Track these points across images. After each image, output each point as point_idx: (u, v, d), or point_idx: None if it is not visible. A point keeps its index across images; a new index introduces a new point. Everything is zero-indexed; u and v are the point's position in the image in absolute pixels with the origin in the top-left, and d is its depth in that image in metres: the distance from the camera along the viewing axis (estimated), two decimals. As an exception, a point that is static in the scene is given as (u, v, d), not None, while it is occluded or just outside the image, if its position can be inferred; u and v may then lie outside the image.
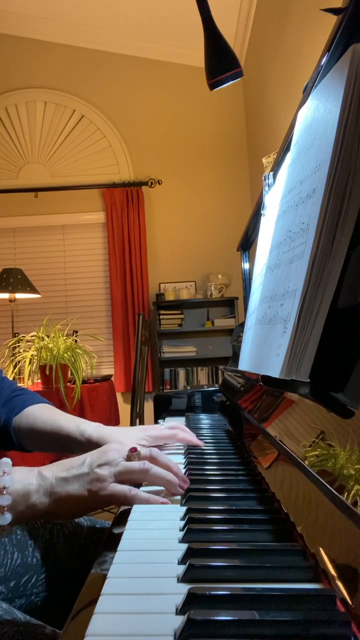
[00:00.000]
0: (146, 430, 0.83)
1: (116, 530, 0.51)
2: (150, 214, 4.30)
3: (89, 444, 0.78)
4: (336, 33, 0.68)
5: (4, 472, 0.56)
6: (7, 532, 0.55)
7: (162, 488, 0.62)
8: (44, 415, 0.87)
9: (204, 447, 0.86)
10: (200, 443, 0.85)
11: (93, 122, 4.32)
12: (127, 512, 0.56)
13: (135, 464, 0.59)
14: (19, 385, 0.97)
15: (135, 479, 0.60)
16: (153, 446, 0.83)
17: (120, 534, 0.49)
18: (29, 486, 0.57)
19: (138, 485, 0.62)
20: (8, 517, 0.55)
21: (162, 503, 0.57)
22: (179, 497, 0.60)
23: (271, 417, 0.64)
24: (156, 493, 0.60)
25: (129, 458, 0.61)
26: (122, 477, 0.59)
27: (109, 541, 0.48)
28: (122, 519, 0.54)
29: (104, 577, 0.40)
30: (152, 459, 0.62)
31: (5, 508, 0.55)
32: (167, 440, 0.85)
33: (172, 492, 0.60)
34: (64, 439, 0.82)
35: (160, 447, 0.84)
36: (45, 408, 0.90)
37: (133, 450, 0.61)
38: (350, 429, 0.40)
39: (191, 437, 0.85)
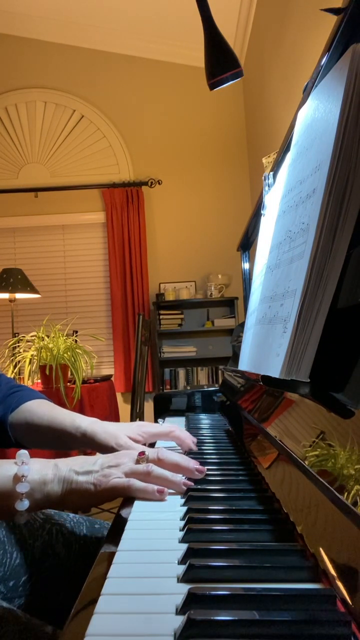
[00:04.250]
0: (142, 427, 0.84)
1: (116, 530, 0.51)
2: (150, 214, 4.30)
3: (83, 438, 0.80)
4: (336, 33, 0.68)
5: (22, 462, 0.60)
6: (23, 517, 0.59)
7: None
8: (39, 410, 0.87)
9: (204, 447, 0.86)
10: (193, 446, 0.84)
11: (93, 122, 4.32)
12: (127, 512, 0.56)
13: (140, 466, 0.63)
14: (17, 383, 0.97)
15: (139, 480, 0.62)
16: (152, 443, 0.85)
17: (120, 534, 0.49)
18: (45, 476, 0.61)
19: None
20: (26, 504, 0.58)
21: (158, 491, 0.59)
22: (180, 496, 0.60)
23: (271, 417, 0.64)
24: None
25: (137, 461, 0.64)
26: (128, 478, 0.62)
27: (109, 541, 0.48)
28: (122, 518, 0.54)
29: (104, 577, 0.40)
30: (159, 461, 0.65)
31: (24, 495, 0.58)
32: (162, 437, 0.86)
33: (178, 491, 0.62)
34: (59, 434, 0.83)
35: None
36: (41, 403, 0.90)
37: (141, 454, 0.65)
38: (350, 429, 0.40)
39: (185, 437, 0.85)
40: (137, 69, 4.32)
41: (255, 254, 1.07)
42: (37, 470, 0.61)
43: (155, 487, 0.59)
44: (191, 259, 4.28)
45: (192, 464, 0.65)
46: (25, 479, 0.59)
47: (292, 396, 0.60)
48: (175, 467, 0.64)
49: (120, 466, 0.63)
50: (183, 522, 0.51)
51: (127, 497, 0.60)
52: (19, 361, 2.37)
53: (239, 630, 0.31)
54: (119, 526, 0.52)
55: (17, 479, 0.59)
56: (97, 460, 0.64)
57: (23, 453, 0.62)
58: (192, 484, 0.63)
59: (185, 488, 0.61)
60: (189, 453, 0.82)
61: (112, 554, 0.44)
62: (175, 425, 0.89)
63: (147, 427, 0.84)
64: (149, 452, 0.66)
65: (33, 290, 3.53)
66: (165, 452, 0.66)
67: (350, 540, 0.34)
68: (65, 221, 4.32)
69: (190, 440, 0.85)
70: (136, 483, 0.60)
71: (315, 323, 0.52)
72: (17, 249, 4.34)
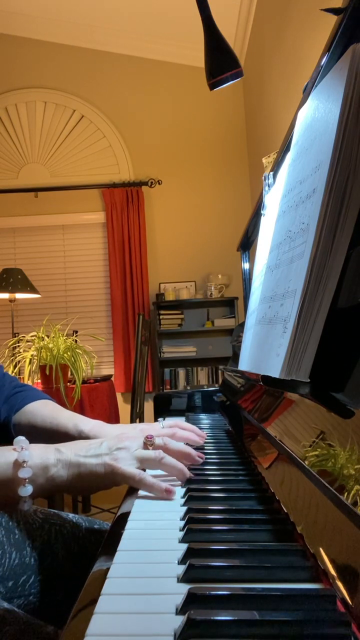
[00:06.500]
0: (144, 431, 0.82)
1: (116, 530, 0.51)
2: (150, 214, 4.30)
3: None
4: (336, 33, 0.68)
5: (22, 448, 0.61)
6: (27, 504, 0.60)
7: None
8: (43, 412, 0.88)
9: (204, 447, 0.86)
10: (199, 440, 0.84)
11: (93, 122, 4.32)
12: (127, 512, 0.56)
13: (151, 453, 0.65)
14: (21, 382, 0.98)
15: (149, 466, 0.65)
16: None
17: (120, 534, 0.49)
18: (47, 460, 0.61)
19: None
20: (29, 489, 0.59)
21: (166, 490, 0.60)
22: (180, 496, 0.60)
23: (271, 417, 0.64)
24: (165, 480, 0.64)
25: (145, 445, 0.66)
26: (139, 465, 0.64)
27: (109, 541, 0.48)
28: (122, 518, 0.54)
29: (104, 577, 0.40)
30: (165, 448, 0.67)
31: (27, 480, 0.59)
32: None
33: (182, 480, 0.65)
34: (62, 437, 0.84)
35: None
36: (45, 405, 0.91)
37: (149, 437, 0.67)
38: (350, 429, 0.40)
39: (189, 435, 0.84)
40: (137, 69, 4.32)
41: (255, 254, 1.07)
42: (38, 455, 0.61)
43: (164, 485, 0.60)
44: (191, 259, 4.28)
45: (195, 453, 0.70)
46: (26, 464, 0.59)
47: (292, 396, 0.60)
48: (180, 455, 0.68)
49: (128, 449, 0.64)
50: (183, 522, 0.51)
51: (132, 487, 0.62)
52: (19, 361, 2.37)
53: (238, 630, 0.31)
54: (119, 526, 0.52)
55: (18, 464, 0.59)
56: (103, 443, 0.64)
57: (21, 439, 0.62)
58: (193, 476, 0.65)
59: (188, 476, 0.64)
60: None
61: (112, 554, 0.44)
62: (176, 421, 0.88)
63: (149, 431, 0.82)
64: (156, 438, 0.68)
65: (33, 290, 3.53)
66: (171, 441, 0.69)
67: (350, 540, 0.34)
68: (65, 221, 4.32)
69: (195, 435, 0.84)
70: (147, 478, 0.61)
71: (315, 323, 0.52)
72: (17, 249, 4.34)
